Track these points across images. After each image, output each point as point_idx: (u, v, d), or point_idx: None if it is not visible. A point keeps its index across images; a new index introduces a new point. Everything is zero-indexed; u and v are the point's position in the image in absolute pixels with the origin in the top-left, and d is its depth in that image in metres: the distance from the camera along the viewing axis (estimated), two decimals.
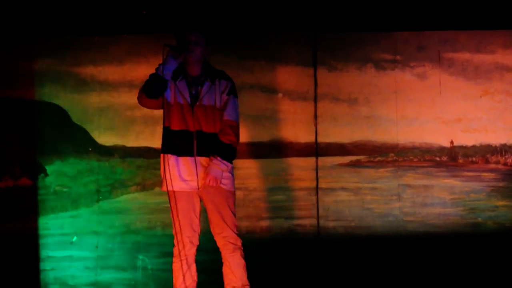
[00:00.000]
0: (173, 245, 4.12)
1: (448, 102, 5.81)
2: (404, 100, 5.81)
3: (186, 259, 4.06)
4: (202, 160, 3.98)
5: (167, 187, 3.98)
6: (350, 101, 5.83)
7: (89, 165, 5.78)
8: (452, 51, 5.86)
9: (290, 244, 5.68)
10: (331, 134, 5.80)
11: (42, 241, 5.64)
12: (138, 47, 5.80)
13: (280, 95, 5.81)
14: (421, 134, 5.82)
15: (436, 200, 5.77)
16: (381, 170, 5.83)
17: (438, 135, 5.83)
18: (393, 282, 5.51)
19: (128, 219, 5.73)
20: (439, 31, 5.85)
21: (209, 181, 3.91)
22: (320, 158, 5.78)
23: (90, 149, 5.77)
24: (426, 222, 5.74)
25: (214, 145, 3.95)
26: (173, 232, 4.07)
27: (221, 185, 3.99)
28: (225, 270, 4.11)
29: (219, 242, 4.09)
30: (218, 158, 3.91)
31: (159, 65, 3.89)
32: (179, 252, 4.04)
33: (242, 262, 4.09)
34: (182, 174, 3.98)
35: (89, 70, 5.81)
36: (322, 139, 5.78)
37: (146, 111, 5.70)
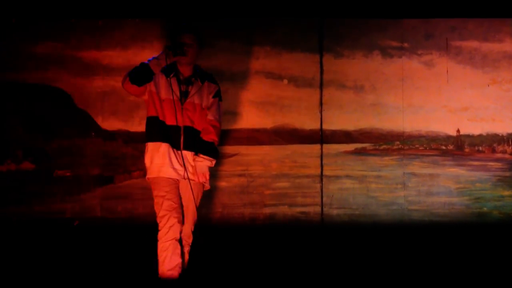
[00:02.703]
0: (157, 230, 4.22)
1: (455, 90, 5.78)
2: (411, 88, 5.77)
3: (174, 239, 4.18)
4: (187, 153, 4.26)
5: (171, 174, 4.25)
6: (356, 88, 5.79)
7: (92, 150, 5.74)
8: (460, 39, 5.81)
9: (293, 231, 5.66)
10: (337, 121, 5.76)
11: (44, 225, 5.61)
12: (143, 32, 5.77)
13: (285, 81, 5.78)
14: (427, 123, 5.79)
15: (441, 189, 5.74)
16: (387, 158, 5.79)
17: (445, 124, 5.79)
18: (397, 271, 5.48)
19: (131, 204, 5.70)
20: (447, 19, 5.81)
21: (199, 178, 4.24)
22: (325, 145, 5.75)
23: (93, 134, 5.74)
24: (431, 211, 5.71)
25: (198, 144, 4.27)
26: (159, 215, 4.20)
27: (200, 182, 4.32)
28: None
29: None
30: (201, 155, 4.24)
31: (152, 58, 4.15)
32: (166, 234, 4.16)
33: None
34: (173, 163, 4.20)
35: (93, 54, 5.77)
36: (327, 126, 5.75)
37: None
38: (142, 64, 4.11)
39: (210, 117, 4.31)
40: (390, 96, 5.78)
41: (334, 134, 5.77)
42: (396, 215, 5.70)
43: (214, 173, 5.74)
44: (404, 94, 5.76)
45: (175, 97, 4.21)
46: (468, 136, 5.80)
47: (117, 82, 5.71)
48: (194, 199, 4.29)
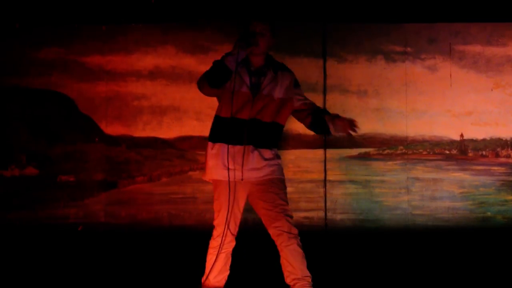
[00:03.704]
0: (211, 236, 3.95)
1: (459, 95, 5.77)
2: (414, 92, 5.77)
3: (226, 251, 3.93)
4: (251, 149, 3.83)
5: (228, 176, 3.82)
6: (359, 93, 5.79)
7: (95, 155, 5.75)
8: (463, 44, 5.81)
9: None
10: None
11: (47, 230, 5.62)
12: (146, 37, 5.78)
13: None
14: (431, 127, 5.79)
15: (445, 194, 5.74)
16: (390, 163, 5.79)
17: (448, 128, 5.79)
18: (401, 276, 5.47)
19: (135, 209, 5.70)
20: (450, 23, 5.81)
21: (345, 124, 3.92)
22: (328, 150, 5.75)
23: (96, 139, 5.75)
24: (435, 216, 5.71)
25: (315, 118, 4.02)
26: (215, 223, 3.91)
27: (270, 176, 3.87)
28: (283, 261, 3.90)
29: (273, 234, 3.87)
30: (327, 116, 3.98)
31: (226, 54, 3.77)
32: (220, 244, 3.87)
33: (299, 251, 3.88)
34: (227, 162, 3.79)
35: (96, 60, 5.78)
36: None
37: (153, 101, 5.78)
38: (219, 63, 3.73)
39: (302, 101, 4.02)
40: (394, 100, 5.78)
41: (337, 139, 5.75)
42: (400, 220, 5.69)
43: None
44: (408, 99, 5.76)
45: (245, 90, 3.83)
46: (471, 140, 5.80)
47: (120, 88, 5.75)
48: (273, 193, 3.84)
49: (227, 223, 3.84)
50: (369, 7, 5.68)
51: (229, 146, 3.79)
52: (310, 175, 5.75)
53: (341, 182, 5.75)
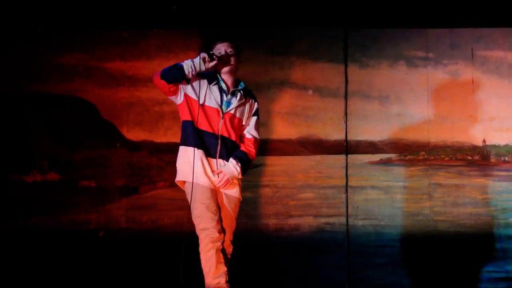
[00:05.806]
0: (199, 241, 4.11)
1: (481, 100, 5.74)
2: (436, 98, 5.74)
3: (217, 249, 4.07)
4: (222, 163, 4.18)
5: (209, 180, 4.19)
6: (381, 99, 5.77)
7: (117, 161, 5.76)
8: (486, 49, 5.78)
9: (318, 242, 5.63)
10: (362, 132, 5.74)
11: (69, 236, 5.62)
12: (167, 43, 5.80)
13: (310, 91, 5.77)
14: (453, 133, 5.76)
15: (467, 200, 5.70)
16: (412, 168, 5.76)
17: (470, 134, 5.76)
18: (423, 282, 5.46)
19: (156, 215, 5.70)
20: (472, 28, 5.79)
21: (222, 178, 4.12)
22: (350, 156, 5.72)
23: (118, 145, 5.75)
24: (457, 222, 5.66)
25: (236, 152, 4.21)
26: (199, 228, 4.10)
27: (233, 194, 4.25)
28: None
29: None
30: (238, 163, 4.15)
31: (189, 60, 4.07)
32: (210, 244, 4.05)
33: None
34: (207, 171, 4.12)
35: (118, 65, 5.79)
36: (352, 136, 5.73)
37: (174, 106, 5.70)
38: (178, 65, 4.07)
39: (250, 135, 4.30)
40: (415, 106, 5.75)
41: (359, 145, 5.74)
42: (421, 226, 5.66)
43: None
44: (430, 104, 5.74)
45: (215, 105, 4.15)
46: (494, 146, 5.76)
47: (142, 93, 5.76)
48: (230, 210, 4.23)
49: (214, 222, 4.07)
50: (391, 13, 5.67)
51: (207, 157, 4.13)
52: (332, 181, 5.73)
53: (362, 188, 5.73)
